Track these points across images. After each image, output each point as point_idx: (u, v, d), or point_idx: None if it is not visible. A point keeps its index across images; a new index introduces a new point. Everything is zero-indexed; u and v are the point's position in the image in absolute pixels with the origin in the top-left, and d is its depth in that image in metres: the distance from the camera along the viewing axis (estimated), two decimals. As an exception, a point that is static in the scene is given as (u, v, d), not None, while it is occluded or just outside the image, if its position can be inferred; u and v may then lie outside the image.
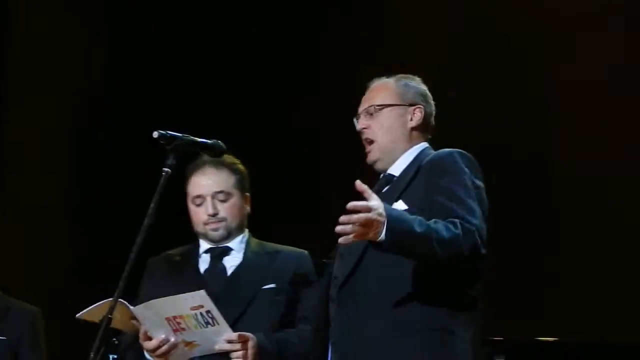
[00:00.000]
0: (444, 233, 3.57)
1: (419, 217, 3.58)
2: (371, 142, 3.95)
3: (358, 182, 3.51)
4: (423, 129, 3.97)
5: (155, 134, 3.91)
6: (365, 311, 3.75)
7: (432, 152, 3.90)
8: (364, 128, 3.95)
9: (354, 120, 4.01)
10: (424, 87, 4.01)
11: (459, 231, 3.59)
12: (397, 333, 3.70)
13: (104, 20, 8.27)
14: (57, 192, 7.89)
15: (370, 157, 3.94)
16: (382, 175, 3.96)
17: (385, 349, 3.70)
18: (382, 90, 4.02)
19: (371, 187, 3.71)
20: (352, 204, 3.47)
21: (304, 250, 4.41)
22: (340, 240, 3.49)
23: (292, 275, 4.30)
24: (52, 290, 6.49)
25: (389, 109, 3.94)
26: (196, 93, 8.00)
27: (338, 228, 3.49)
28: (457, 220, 3.62)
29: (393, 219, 3.51)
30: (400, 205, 3.77)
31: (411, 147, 3.95)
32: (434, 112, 3.98)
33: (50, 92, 7.83)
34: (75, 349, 4.58)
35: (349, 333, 3.78)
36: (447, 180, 3.74)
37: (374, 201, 3.49)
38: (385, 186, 3.92)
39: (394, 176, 3.93)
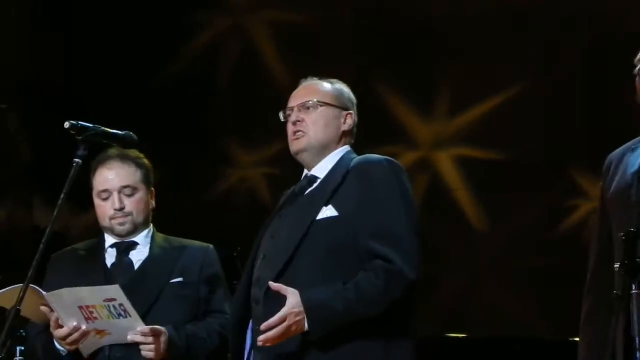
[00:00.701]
0: (368, 294, 3.59)
1: (339, 289, 3.60)
2: (303, 135, 3.92)
3: (271, 284, 3.56)
4: (350, 135, 3.97)
5: (66, 124, 3.84)
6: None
7: (356, 156, 3.90)
8: (298, 121, 3.90)
9: (280, 113, 3.98)
10: (353, 97, 4.02)
11: (381, 282, 3.61)
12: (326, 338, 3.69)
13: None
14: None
15: (298, 145, 3.90)
16: (304, 175, 3.93)
17: (314, 355, 3.69)
18: (319, 89, 4.01)
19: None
20: (265, 324, 3.53)
21: (209, 245, 4.38)
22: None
23: (198, 269, 4.27)
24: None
25: (326, 107, 3.92)
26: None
27: (260, 342, 3.55)
28: (378, 267, 3.63)
29: (313, 308, 3.54)
30: (330, 211, 3.76)
31: (337, 149, 3.94)
32: (357, 122, 3.99)
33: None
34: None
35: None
36: (380, 213, 3.73)
37: (291, 298, 3.52)
38: (308, 187, 3.90)
39: (317, 177, 3.91)
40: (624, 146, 3.63)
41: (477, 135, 7.01)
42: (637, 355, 3.17)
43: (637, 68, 3.45)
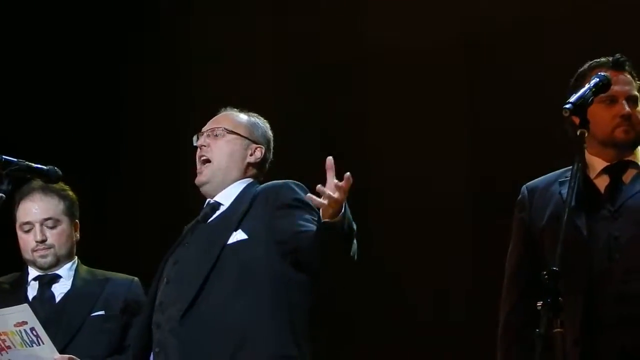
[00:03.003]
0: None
1: None
2: (206, 161, 3.80)
3: (329, 160, 3.34)
4: (257, 168, 3.87)
5: None
6: (208, 340, 3.61)
7: (260, 186, 3.82)
8: (204, 145, 3.81)
9: (194, 137, 3.87)
10: (270, 134, 3.93)
11: None
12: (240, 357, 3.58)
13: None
14: None
15: (201, 179, 3.80)
16: (206, 203, 3.81)
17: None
18: (233, 119, 3.91)
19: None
20: (343, 180, 3.33)
21: (134, 277, 4.25)
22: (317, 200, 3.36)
23: (122, 302, 4.13)
24: None
25: (234, 136, 3.82)
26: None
27: (316, 201, 3.35)
28: None
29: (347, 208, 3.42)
30: (240, 235, 3.67)
31: (241, 179, 3.83)
32: (270, 159, 3.89)
33: None
34: None
35: None
36: (292, 218, 3.64)
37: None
38: (212, 214, 3.79)
39: (220, 204, 3.80)
40: (545, 178, 3.55)
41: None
42: None
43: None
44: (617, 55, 3.51)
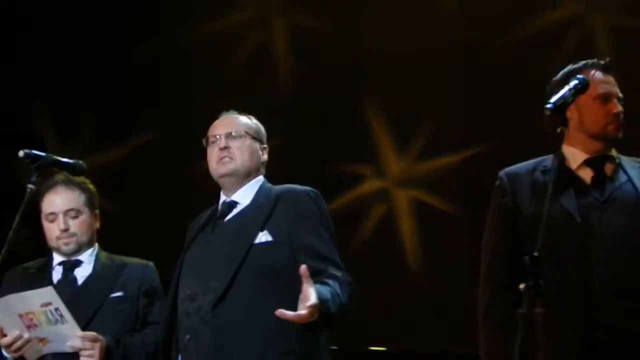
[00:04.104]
0: (344, 301, 3.57)
1: (334, 293, 3.53)
2: (230, 160, 3.81)
3: (302, 269, 3.43)
4: (264, 167, 3.92)
5: (20, 153, 3.82)
6: (238, 329, 3.64)
7: (271, 185, 3.85)
8: (227, 147, 3.79)
9: (204, 139, 3.87)
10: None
11: (347, 291, 3.59)
12: (267, 355, 3.63)
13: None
14: None
15: (225, 169, 3.78)
16: (222, 201, 3.87)
17: None
18: (244, 122, 3.92)
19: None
20: (309, 304, 3.41)
21: (149, 262, 4.30)
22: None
23: (138, 285, 4.18)
24: None
25: (252, 138, 3.85)
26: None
27: (289, 316, 3.41)
28: (339, 278, 3.62)
29: (322, 305, 3.45)
30: (266, 236, 3.70)
31: (255, 178, 3.86)
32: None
33: None
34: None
35: (220, 349, 3.66)
36: (314, 239, 3.70)
37: (313, 290, 3.44)
38: (229, 212, 3.82)
39: (237, 203, 3.82)
40: (522, 166, 3.59)
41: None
42: None
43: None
44: (607, 59, 3.58)
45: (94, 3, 7.40)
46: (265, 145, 3.92)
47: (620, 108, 3.51)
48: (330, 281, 3.58)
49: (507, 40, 6.39)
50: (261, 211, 3.77)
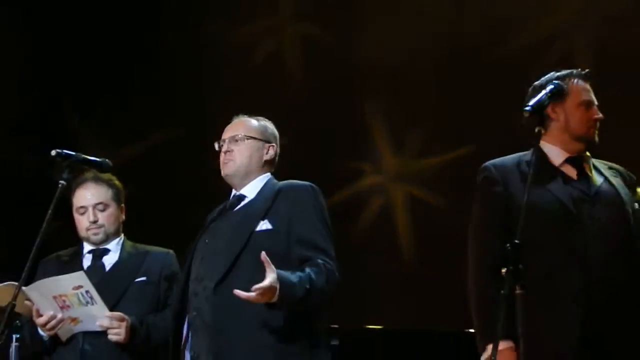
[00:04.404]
0: (317, 287, 3.63)
1: (300, 275, 3.62)
2: (231, 162, 3.94)
3: (263, 255, 3.54)
4: (271, 164, 4.01)
5: (53, 153, 3.89)
6: (237, 306, 3.70)
7: (277, 182, 3.95)
8: (229, 151, 3.94)
9: (216, 143, 4.00)
10: (276, 132, 4.07)
11: (324, 278, 3.66)
12: (261, 335, 3.71)
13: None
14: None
15: (227, 171, 3.94)
16: (232, 195, 3.98)
17: (251, 342, 3.72)
18: (247, 125, 4.03)
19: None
20: (255, 287, 3.51)
21: (170, 250, 4.41)
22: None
23: (159, 270, 4.29)
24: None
25: (251, 140, 3.95)
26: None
27: (242, 295, 3.52)
28: (321, 265, 3.68)
29: (284, 288, 3.55)
30: (266, 225, 3.80)
31: (261, 175, 3.97)
32: (278, 153, 4.04)
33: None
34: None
35: (219, 326, 3.75)
36: (308, 228, 3.79)
37: (272, 274, 3.53)
38: (238, 204, 3.93)
39: (245, 196, 3.94)
40: (506, 159, 3.66)
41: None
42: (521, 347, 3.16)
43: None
44: (587, 70, 3.71)
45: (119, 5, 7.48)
46: (272, 144, 4.01)
47: (600, 115, 3.64)
48: (308, 268, 3.67)
49: (492, 52, 6.47)
50: (264, 203, 3.87)
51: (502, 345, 3.33)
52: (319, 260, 3.70)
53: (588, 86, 3.69)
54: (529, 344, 3.24)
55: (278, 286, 3.53)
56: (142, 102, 7.39)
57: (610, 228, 3.54)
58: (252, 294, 3.50)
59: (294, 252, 3.74)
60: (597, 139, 3.66)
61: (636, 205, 3.65)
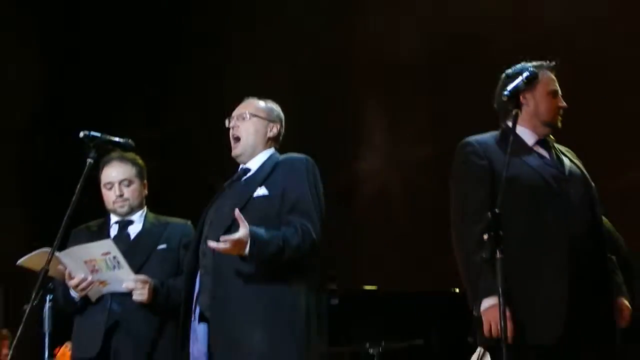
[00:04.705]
0: (290, 244, 3.77)
1: (273, 233, 3.77)
2: (237, 139, 4.08)
3: (236, 212, 3.70)
4: (275, 141, 4.15)
5: (81, 134, 4.02)
6: (232, 264, 3.84)
7: (280, 155, 4.08)
8: (234, 127, 4.09)
9: (226, 120, 4.13)
10: (282, 115, 4.19)
11: (299, 237, 3.80)
12: (250, 286, 3.84)
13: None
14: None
15: (235, 152, 4.09)
16: (240, 168, 4.11)
17: (245, 293, 3.84)
18: (254, 105, 4.16)
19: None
20: (224, 238, 3.69)
21: (188, 221, 4.50)
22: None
23: (178, 239, 4.40)
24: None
25: (256, 118, 4.10)
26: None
27: (212, 245, 3.70)
28: (297, 226, 3.82)
29: (255, 243, 3.71)
30: (262, 190, 3.95)
31: (265, 150, 4.11)
32: (283, 132, 4.18)
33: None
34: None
35: (219, 278, 3.88)
36: (298, 194, 3.92)
37: (244, 230, 3.69)
38: (244, 176, 4.07)
39: (250, 169, 4.07)
40: (485, 136, 3.77)
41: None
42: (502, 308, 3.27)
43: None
44: (554, 62, 3.85)
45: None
46: (276, 123, 4.13)
47: (564, 104, 3.82)
48: (285, 228, 3.81)
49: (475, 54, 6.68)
50: (263, 173, 4.01)
51: (488, 302, 3.50)
52: (297, 223, 3.82)
53: (554, 76, 3.83)
54: (519, 302, 3.49)
55: (248, 240, 3.68)
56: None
57: (584, 204, 3.71)
58: (222, 244, 3.67)
59: (283, 215, 3.88)
60: (560, 125, 3.81)
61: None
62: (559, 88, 3.83)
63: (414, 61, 6.89)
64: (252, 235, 3.71)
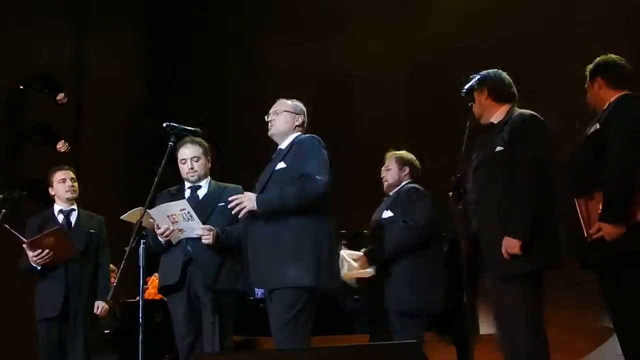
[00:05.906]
0: (291, 195, 4.26)
1: (277, 193, 4.25)
2: (272, 127, 4.71)
3: (232, 198, 4.32)
4: (301, 126, 4.74)
5: (164, 124, 4.63)
6: (261, 223, 4.40)
7: (302, 137, 4.66)
8: (272, 120, 4.72)
9: (266, 116, 4.74)
10: (304, 109, 4.76)
11: (300, 187, 4.27)
12: (278, 227, 4.34)
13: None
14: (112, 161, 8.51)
15: (271, 132, 4.73)
16: (278, 149, 4.70)
17: (271, 244, 4.38)
18: (284, 103, 4.76)
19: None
20: (232, 197, 4.34)
21: (240, 186, 5.04)
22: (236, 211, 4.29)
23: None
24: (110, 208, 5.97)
25: (286, 112, 4.75)
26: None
27: (231, 198, 4.32)
28: (298, 182, 4.29)
29: (260, 198, 4.31)
30: (282, 164, 4.47)
31: (293, 134, 4.69)
32: (306, 121, 4.76)
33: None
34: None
35: (252, 234, 4.46)
36: (307, 157, 4.39)
37: (249, 193, 4.34)
38: (277, 154, 4.64)
39: (282, 149, 4.66)
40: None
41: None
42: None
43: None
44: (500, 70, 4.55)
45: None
46: (300, 115, 4.67)
47: None
48: (289, 187, 4.23)
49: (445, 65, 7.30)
50: (284, 151, 4.49)
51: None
52: (300, 182, 4.25)
53: None
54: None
55: (254, 198, 4.25)
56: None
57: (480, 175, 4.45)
58: (235, 200, 4.25)
59: (295, 180, 4.36)
60: None
61: None
62: None
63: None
64: (257, 195, 4.37)
